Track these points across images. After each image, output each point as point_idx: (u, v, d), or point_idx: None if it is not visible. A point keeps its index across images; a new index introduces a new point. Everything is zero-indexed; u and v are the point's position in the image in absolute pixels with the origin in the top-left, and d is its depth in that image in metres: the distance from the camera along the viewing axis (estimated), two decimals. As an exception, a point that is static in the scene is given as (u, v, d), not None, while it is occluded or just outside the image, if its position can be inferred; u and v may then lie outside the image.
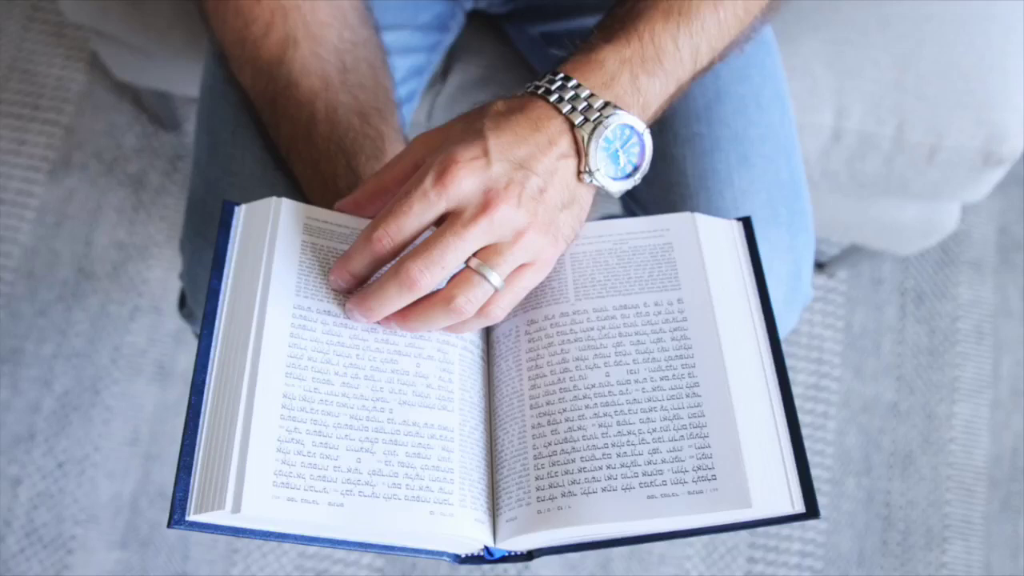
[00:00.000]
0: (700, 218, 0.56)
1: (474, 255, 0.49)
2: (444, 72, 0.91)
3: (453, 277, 0.49)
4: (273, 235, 0.51)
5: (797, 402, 1.31)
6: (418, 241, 0.49)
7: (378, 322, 0.51)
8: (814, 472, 1.29)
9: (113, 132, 1.38)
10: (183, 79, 1.12)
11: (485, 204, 0.48)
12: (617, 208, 1.20)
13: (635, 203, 0.75)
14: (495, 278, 0.49)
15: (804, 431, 1.29)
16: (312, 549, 1.21)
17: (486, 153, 0.49)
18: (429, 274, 0.48)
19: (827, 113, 0.89)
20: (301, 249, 0.52)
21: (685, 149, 0.70)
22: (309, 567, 1.22)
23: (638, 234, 0.56)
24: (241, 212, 0.53)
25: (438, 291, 0.49)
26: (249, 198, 0.54)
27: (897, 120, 0.88)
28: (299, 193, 0.65)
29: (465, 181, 0.48)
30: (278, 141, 0.64)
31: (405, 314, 0.50)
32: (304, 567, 1.22)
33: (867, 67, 0.88)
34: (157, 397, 1.27)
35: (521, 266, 0.50)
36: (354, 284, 0.51)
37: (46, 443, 1.24)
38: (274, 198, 0.53)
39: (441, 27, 0.82)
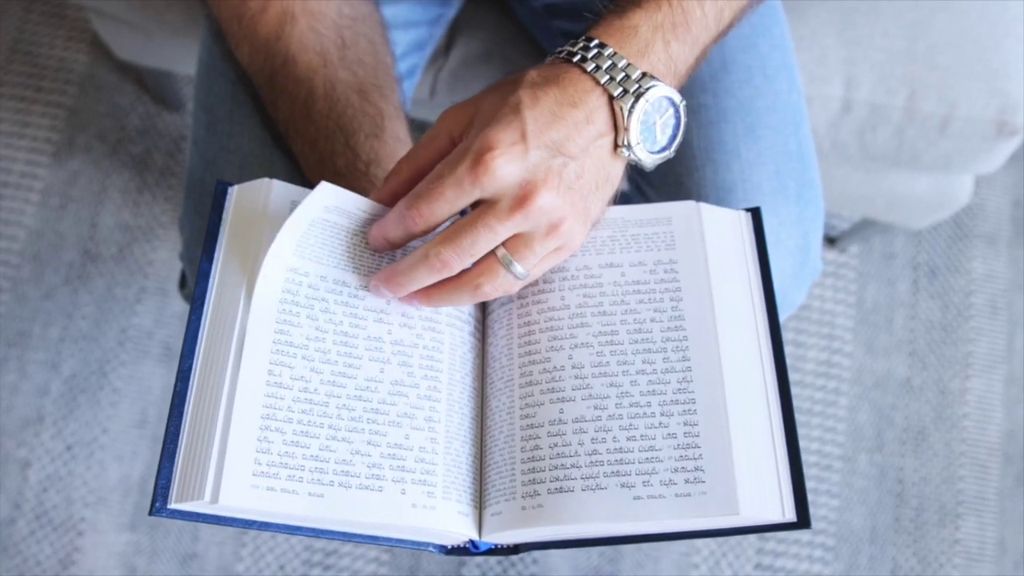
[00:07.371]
0: (705, 209, 0.54)
1: (503, 243, 0.48)
2: (446, 47, 0.90)
3: (480, 261, 0.49)
4: (263, 217, 0.50)
5: (808, 378, 1.31)
6: (448, 223, 0.48)
7: (400, 298, 0.51)
8: (826, 448, 1.28)
9: (116, 113, 1.37)
10: (183, 58, 1.11)
11: (523, 197, 0.46)
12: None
13: (639, 175, 0.73)
14: (520, 270, 0.49)
15: (816, 407, 1.28)
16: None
17: (524, 137, 0.46)
18: (459, 261, 0.48)
19: (836, 84, 0.87)
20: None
21: (691, 120, 0.68)
22: (319, 547, 1.22)
23: (638, 222, 0.54)
24: (233, 193, 0.52)
25: (464, 271, 0.49)
26: (247, 176, 0.53)
27: (908, 90, 0.86)
28: (298, 171, 0.64)
29: (502, 171, 0.46)
30: (276, 118, 0.63)
31: (429, 292, 0.50)
32: (313, 547, 1.22)
33: (877, 36, 0.86)
34: (164, 379, 1.27)
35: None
36: (390, 249, 0.51)
37: (54, 426, 1.24)
38: (265, 179, 0.52)
39: (443, 0, 0.81)
